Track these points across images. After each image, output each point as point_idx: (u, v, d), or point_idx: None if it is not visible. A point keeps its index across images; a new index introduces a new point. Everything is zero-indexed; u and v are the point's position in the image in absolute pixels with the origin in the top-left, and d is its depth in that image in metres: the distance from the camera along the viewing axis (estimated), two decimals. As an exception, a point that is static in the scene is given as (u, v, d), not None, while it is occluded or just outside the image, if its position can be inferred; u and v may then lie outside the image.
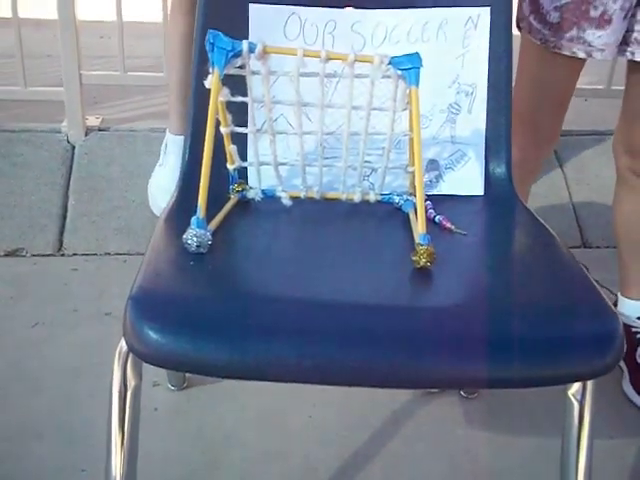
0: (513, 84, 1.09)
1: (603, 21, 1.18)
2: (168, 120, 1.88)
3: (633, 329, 1.48)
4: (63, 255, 1.84)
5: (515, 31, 1.12)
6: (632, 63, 1.27)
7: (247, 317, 0.69)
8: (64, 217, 1.90)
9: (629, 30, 1.21)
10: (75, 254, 1.84)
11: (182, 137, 1.82)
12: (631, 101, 1.33)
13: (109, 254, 1.85)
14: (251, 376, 0.68)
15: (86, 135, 2.05)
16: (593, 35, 1.19)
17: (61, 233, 1.87)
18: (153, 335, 0.67)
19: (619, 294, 1.53)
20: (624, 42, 1.22)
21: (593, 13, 1.17)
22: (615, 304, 1.55)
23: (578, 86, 2.29)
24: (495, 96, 1.06)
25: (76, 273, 1.76)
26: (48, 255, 1.83)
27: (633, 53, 1.22)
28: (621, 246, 1.48)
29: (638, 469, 1.27)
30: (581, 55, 1.22)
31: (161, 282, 0.73)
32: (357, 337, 0.68)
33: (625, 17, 1.18)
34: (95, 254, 1.85)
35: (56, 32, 1.95)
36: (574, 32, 1.20)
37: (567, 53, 1.22)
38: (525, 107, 1.34)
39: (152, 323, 0.67)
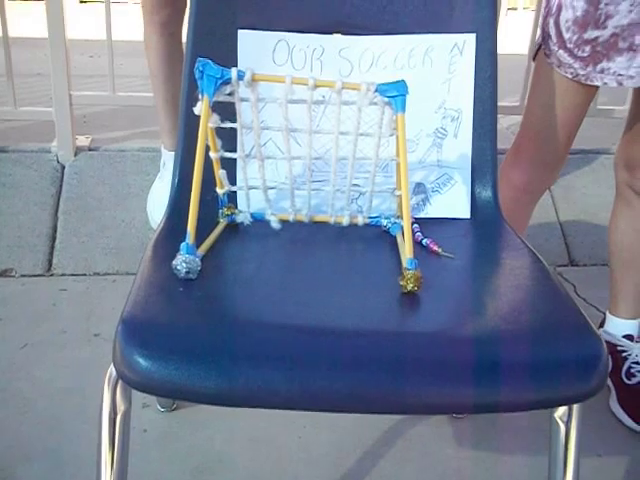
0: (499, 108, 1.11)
1: (632, 51, 1.21)
2: (161, 138, 1.89)
3: (619, 347, 1.49)
4: (52, 275, 1.84)
5: (505, 51, 1.14)
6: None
7: (236, 344, 0.69)
8: (53, 237, 1.91)
9: None
10: (64, 274, 1.84)
11: None
12: (634, 119, 1.36)
13: (98, 274, 1.85)
14: (240, 403, 0.68)
15: (76, 155, 2.06)
16: (623, 65, 1.23)
17: (50, 253, 1.88)
18: (142, 362, 0.67)
19: (607, 312, 1.54)
20: None
21: (622, 45, 1.21)
22: (603, 322, 1.56)
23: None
24: (481, 121, 1.07)
25: (65, 293, 1.76)
26: (37, 275, 1.83)
27: None
28: (612, 263, 1.50)
29: (626, 488, 1.28)
30: (612, 85, 1.25)
31: (150, 309, 0.74)
32: (345, 363, 0.68)
33: None
34: (84, 274, 1.85)
35: (46, 51, 1.96)
36: (604, 64, 1.23)
37: (599, 84, 1.26)
38: (535, 132, 1.37)
39: (141, 350, 0.68)
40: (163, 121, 1.85)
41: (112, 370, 0.78)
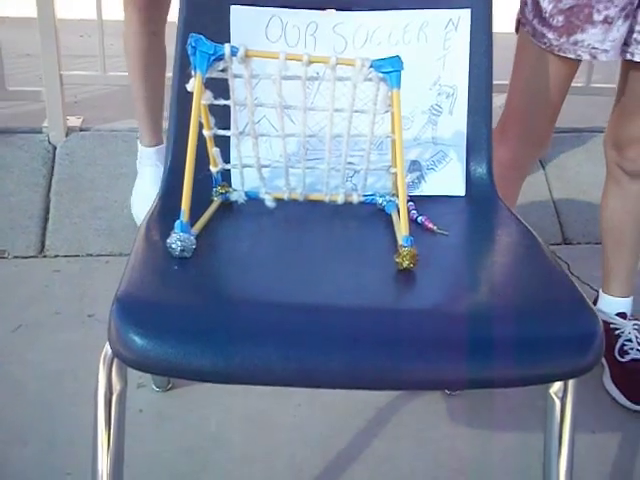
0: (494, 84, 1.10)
1: (606, 24, 1.20)
2: (138, 132, 1.85)
3: (612, 325, 1.50)
4: (45, 257, 1.83)
5: (496, 29, 1.13)
6: (628, 62, 1.28)
7: (231, 322, 0.69)
8: (46, 219, 1.89)
9: (629, 31, 1.22)
10: (57, 256, 1.83)
11: (154, 149, 1.82)
12: (623, 98, 1.35)
13: (91, 255, 1.85)
14: (236, 380, 0.68)
15: (67, 136, 2.04)
16: (597, 37, 1.21)
17: (43, 235, 1.87)
18: (138, 341, 0.67)
19: (600, 290, 1.55)
20: (624, 42, 1.24)
21: (596, 17, 1.20)
22: (596, 301, 1.57)
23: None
24: (476, 97, 1.07)
25: (58, 275, 1.75)
26: (30, 257, 1.82)
27: (633, 54, 1.24)
28: (605, 242, 1.50)
29: (619, 463, 1.29)
30: (585, 57, 1.24)
31: (145, 287, 0.73)
32: (341, 340, 0.68)
33: (626, 18, 1.20)
34: (77, 255, 1.84)
35: (35, 31, 1.94)
36: (578, 35, 1.22)
37: (572, 56, 1.24)
38: (519, 107, 1.36)
39: (137, 329, 0.67)
40: (141, 117, 1.80)
41: (107, 349, 0.77)
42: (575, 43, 1.23)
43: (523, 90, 1.35)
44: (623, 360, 1.46)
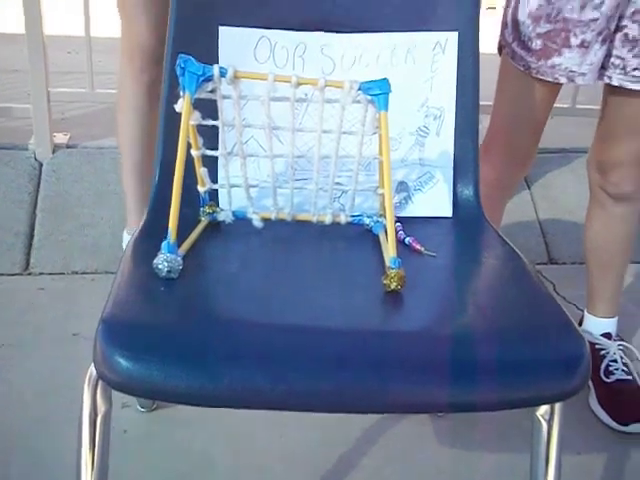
0: (482, 107, 1.11)
1: (583, 47, 1.21)
2: (126, 216, 1.65)
3: (597, 346, 1.51)
4: (30, 274, 1.82)
5: (483, 51, 1.14)
6: (608, 86, 1.30)
7: (218, 344, 0.69)
8: (31, 236, 1.88)
9: (607, 55, 1.24)
10: (42, 273, 1.82)
11: None
12: (605, 122, 1.36)
13: (77, 273, 1.83)
14: (223, 404, 0.68)
15: (54, 152, 2.03)
16: (574, 61, 1.23)
17: (28, 252, 1.85)
18: (123, 363, 0.66)
19: (585, 311, 1.55)
20: (602, 66, 1.25)
21: (573, 41, 1.21)
22: (582, 320, 1.57)
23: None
24: (463, 119, 1.07)
25: (43, 292, 1.74)
26: (15, 274, 1.81)
27: (610, 77, 1.26)
28: (589, 263, 1.51)
29: (606, 484, 1.29)
30: (563, 81, 1.25)
31: (132, 309, 0.73)
32: (328, 363, 0.68)
33: (603, 42, 1.21)
34: (63, 273, 1.83)
35: (23, 47, 1.93)
36: (556, 59, 1.23)
37: (550, 79, 1.25)
38: (502, 128, 1.38)
39: (122, 351, 0.67)
40: (130, 194, 1.60)
41: (92, 370, 0.77)
42: (553, 66, 1.24)
43: (505, 111, 1.36)
44: (608, 380, 1.46)
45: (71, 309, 1.67)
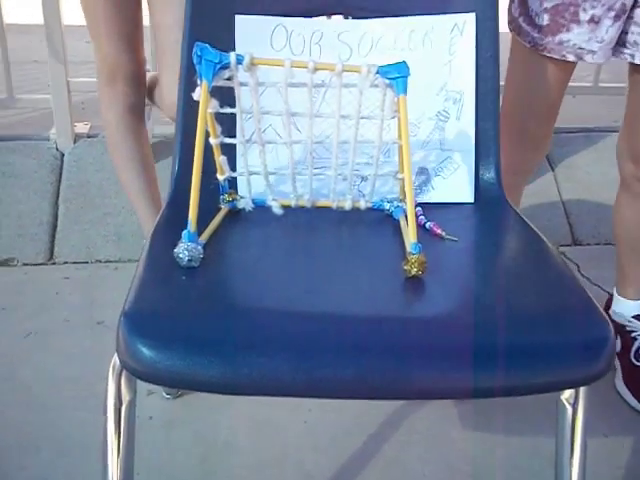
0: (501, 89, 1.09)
1: (593, 23, 1.16)
2: (143, 231, 1.63)
3: (628, 328, 1.49)
4: (54, 264, 1.84)
5: (503, 30, 1.11)
6: (633, 66, 1.24)
7: (239, 332, 0.69)
8: (54, 225, 1.90)
9: (626, 32, 1.19)
10: (66, 262, 1.84)
11: None
12: (633, 105, 1.30)
13: (100, 262, 1.85)
14: (245, 392, 0.68)
15: (75, 142, 2.05)
16: (583, 37, 1.18)
17: (52, 242, 1.87)
18: (146, 352, 0.67)
19: (616, 293, 1.53)
20: (621, 44, 1.20)
21: (582, 16, 1.16)
22: (608, 302, 1.56)
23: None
24: (483, 102, 1.06)
25: (67, 282, 1.76)
26: (39, 264, 1.83)
27: (633, 55, 1.20)
28: (620, 248, 1.48)
29: (632, 467, 1.28)
30: (571, 58, 1.21)
31: (153, 298, 0.73)
32: (349, 350, 0.68)
33: (616, 18, 1.16)
34: (86, 262, 1.84)
35: (43, 37, 1.94)
36: (564, 35, 1.19)
37: (557, 56, 1.21)
38: (513, 111, 1.32)
39: (145, 340, 0.67)
40: (142, 212, 1.57)
41: (116, 359, 0.77)
42: (560, 43, 1.19)
43: (515, 92, 1.31)
44: (638, 363, 1.44)
45: (95, 298, 1.68)
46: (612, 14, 1.16)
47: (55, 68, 1.98)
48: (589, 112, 2.39)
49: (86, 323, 1.59)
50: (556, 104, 1.32)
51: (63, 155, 2.03)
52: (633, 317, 1.49)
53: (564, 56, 1.21)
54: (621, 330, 1.49)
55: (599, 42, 1.18)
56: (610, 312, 1.53)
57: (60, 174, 1.99)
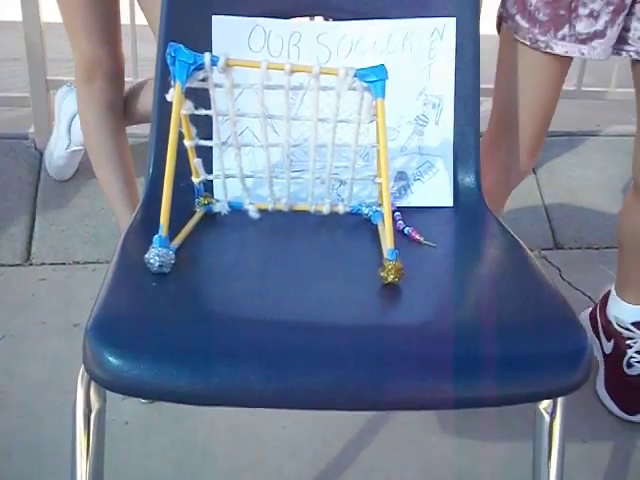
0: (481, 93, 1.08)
1: (592, 18, 1.13)
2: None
3: (625, 334, 1.45)
4: (31, 265, 1.81)
5: (484, 32, 1.09)
6: (636, 65, 1.20)
7: (210, 341, 0.67)
8: (32, 226, 1.87)
9: (627, 29, 1.15)
10: (43, 263, 1.81)
11: None
12: None
13: (78, 263, 1.82)
14: (214, 402, 0.66)
15: (53, 142, 2.01)
16: (584, 32, 1.14)
17: (29, 242, 1.84)
18: (113, 361, 0.65)
19: (615, 295, 1.47)
20: (623, 41, 1.16)
21: (582, 10, 1.13)
22: (605, 301, 1.51)
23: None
24: (463, 106, 1.05)
25: (44, 283, 1.73)
26: (16, 265, 1.80)
27: (638, 52, 1.16)
28: (625, 250, 1.42)
29: (610, 474, 1.28)
30: (574, 54, 1.16)
31: (122, 305, 0.71)
32: (323, 360, 0.66)
33: (615, 13, 1.12)
34: (64, 263, 1.82)
35: (22, 34, 1.91)
36: (566, 30, 1.15)
37: (560, 52, 1.16)
38: (506, 115, 1.27)
39: (111, 349, 0.65)
40: (120, 213, 1.54)
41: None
42: (563, 38, 1.15)
43: (509, 95, 1.25)
44: (629, 372, 1.42)
45: (72, 300, 1.66)
46: (610, 8, 1.12)
47: (34, 66, 1.95)
48: (572, 115, 2.39)
49: (63, 325, 1.57)
50: (553, 104, 1.27)
51: (41, 154, 2.00)
52: (632, 324, 1.44)
53: (567, 52, 1.16)
54: (615, 334, 1.45)
55: (600, 38, 1.14)
56: (610, 315, 1.48)
57: (38, 174, 1.96)
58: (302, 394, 0.66)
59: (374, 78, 0.82)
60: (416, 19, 1.03)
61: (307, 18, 1.13)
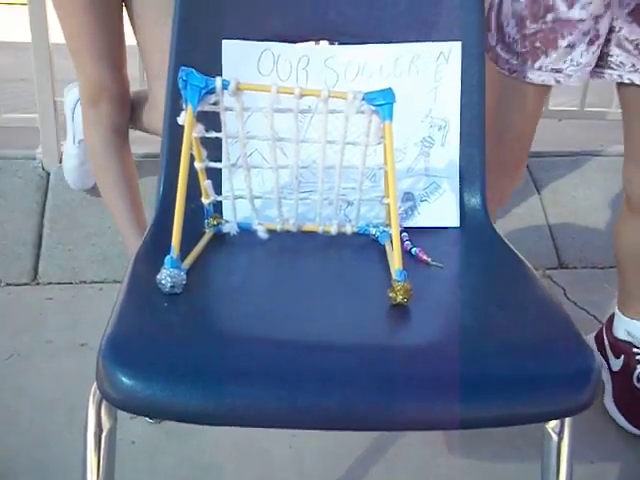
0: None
1: (569, 48, 1.19)
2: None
3: (635, 350, 1.45)
4: (38, 284, 1.82)
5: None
6: (622, 86, 1.25)
7: (221, 361, 0.68)
8: (39, 245, 1.88)
9: (609, 54, 1.21)
10: (50, 283, 1.82)
11: None
12: (630, 135, 1.28)
13: (85, 282, 1.83)
14: (226, 422, 0.67)
15: (61, 162, 2.03)
16: (559, 61, 1.20)
17: (36, 262, 1.86)
18: (126, 381, 0.65)
19: (623, 315, 1.47)
20: (606, 66, 1.22)
21: (561, 42, 1.19)
22: (611, 321, 1.52)
23: (552, 108, 2.31)
24: (468, 128, 1.06)
25: (51, 302, 1.74)
26: (23, 284, 1.81)
27: (621, 76, 1.22)
28: (623, 267, 1.44)
29: (618, 495, 1.27)
30: (551, 82, 1.23)
31: (134, 326, 0.72)
32: (333, 380, 0.67)
33: (590, 43, 1.19)
34: (70, 283, 1.83)
35: (30, 55, 1.94)
36: (542, 60, 1.21)
37: (537, 82, 1.23)
38: (489, 139, 1.24)
39: (124, 369, 0.66)
40: (127, 234, 1.56)
41: (96, 388, 0.76)
42: (540, 68, 1.22)
43: (492, 120, 1.25)
44: (639, 386, 1.42)
45: (79, 319, 1.67)
46: (586, 39, 1.19)
47: (42, 87, 1.97)
48: (575, 136, 2.41)
49: (70, 345, 1.57)
50: (533, 128, 1.33)
51: (49, 174, 2.02)
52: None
53: (543, 81, 1.23)
54: (628, 350, 1.45)
55: (575, 66, 1.21)
56: (614, 330, 1.49)
57: (46, 193, 1.98)
58: (313, 414, 0.66)
59: (382, 101, 0.83)
60: (422, 43, 1.05)
61: (313, 42, 1.15)
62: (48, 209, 1.95)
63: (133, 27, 1.43)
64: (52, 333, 1.61)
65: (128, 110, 1.51)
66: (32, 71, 1.95)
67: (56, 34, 1.96)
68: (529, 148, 1.35)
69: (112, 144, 1.49)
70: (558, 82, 1.23)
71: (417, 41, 1.05)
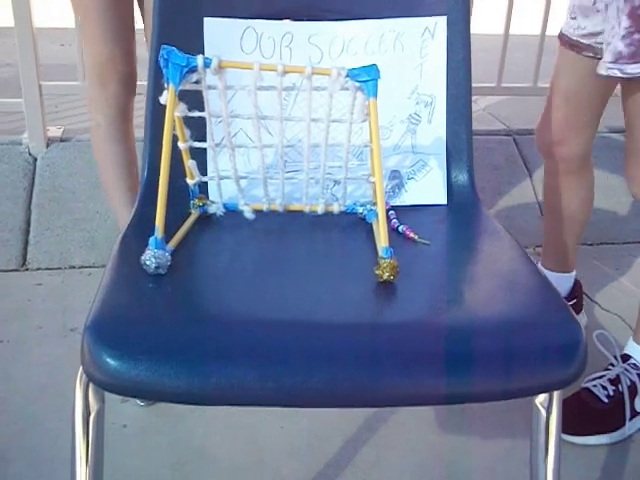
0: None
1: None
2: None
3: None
4: (27, 270, 1.81)
5: (475, 31, 1.11)
6: (625, 82, 1.26)
7: (207, 341, 0.67)
8: (27, 231, 1.87)
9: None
10: (39, 269, 1.81)
11: None
12: (630, 131, 1.31)
13: (74, 267, 1.83)
14: (212, 402, 0.67)
15: (47, 146, 2.02)
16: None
17: (24, 248, 1.84)
18: (111, 363, 0.65)
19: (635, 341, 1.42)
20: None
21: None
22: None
23: (542, 85, 2.30)
24: (455, 105, 1.05)
25: (40, 288, 1.73)
26: (11, 270, 1.80)
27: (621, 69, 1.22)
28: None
29: (607, 468, 1.28)
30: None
31: (119, 307, 0.71)
32: (319, 358, 0.67)
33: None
34: (59, 268, 1.82)
35: (15, 40, 1.91)
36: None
37: (602, 72, 1.24)
38: (562, 106, 1.40)
39: (110, 351, 0.66)
40: (122, 217, 1.53)
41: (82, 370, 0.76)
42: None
43: (565, 97, 1.40)
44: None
45: (69, 304, 1.66)
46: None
47: (27, 71, 1.95)
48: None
49: (59, 330, 1.57)
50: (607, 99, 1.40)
51: (36, 159, 2.00)
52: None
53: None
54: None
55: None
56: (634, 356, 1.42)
57: (33, 179, 1.96)
58: (299, 392, 0.66)
59: (366, 78, 0.83)
60: (407, 18, 1.04)
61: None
62: (35, 195, 1.93)
63: (143, 17, 1.43)
64: (42, 319, 1.60)
65: (134, 91, 1.51)
66: (16, 55, 1.93)
67: (39, 18, 1.94)
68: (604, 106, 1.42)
69: (116, 125, 1.48)
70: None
71: (402, 16, 1.04)
